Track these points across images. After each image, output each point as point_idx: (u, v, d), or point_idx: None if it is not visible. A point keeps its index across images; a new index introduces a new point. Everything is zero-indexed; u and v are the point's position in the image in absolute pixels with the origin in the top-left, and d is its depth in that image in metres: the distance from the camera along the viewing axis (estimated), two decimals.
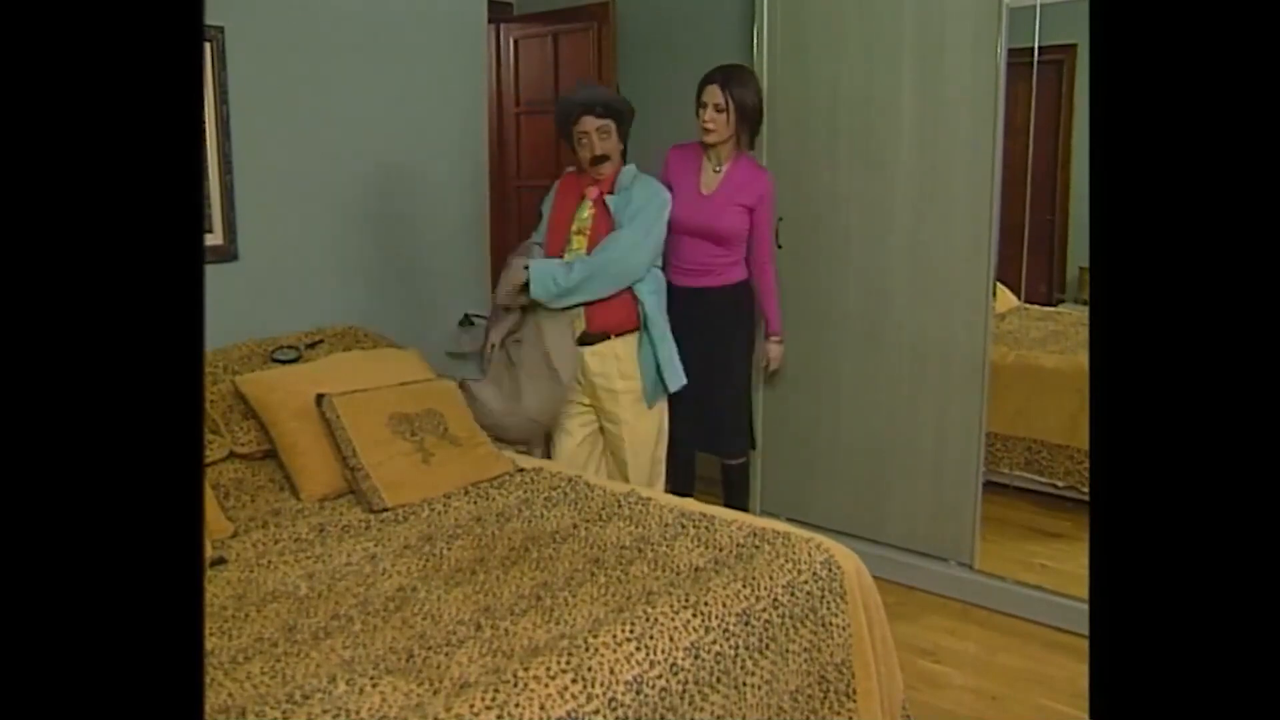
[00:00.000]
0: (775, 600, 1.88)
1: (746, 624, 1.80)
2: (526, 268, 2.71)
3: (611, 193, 2.78)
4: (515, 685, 1.47)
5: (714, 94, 2.92)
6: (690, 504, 2.33)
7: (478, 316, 3.62)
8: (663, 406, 2.90)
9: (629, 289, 2.75)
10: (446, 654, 1.60)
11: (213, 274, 2.70)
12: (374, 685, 1.49)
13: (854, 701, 1.99)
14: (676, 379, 2.83)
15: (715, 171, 3.02)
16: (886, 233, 3.18)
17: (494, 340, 2.85)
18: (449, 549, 2.06)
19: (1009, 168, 2.96)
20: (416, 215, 3.43)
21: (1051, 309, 3.32)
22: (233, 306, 2.82)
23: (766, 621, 1.84)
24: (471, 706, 1.42)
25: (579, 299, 2.71)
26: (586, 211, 2.81)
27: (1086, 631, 1.75)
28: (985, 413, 3.03)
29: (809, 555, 2.03)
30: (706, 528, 2.14)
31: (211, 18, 2.72)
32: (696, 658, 1.67)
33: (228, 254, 2.84)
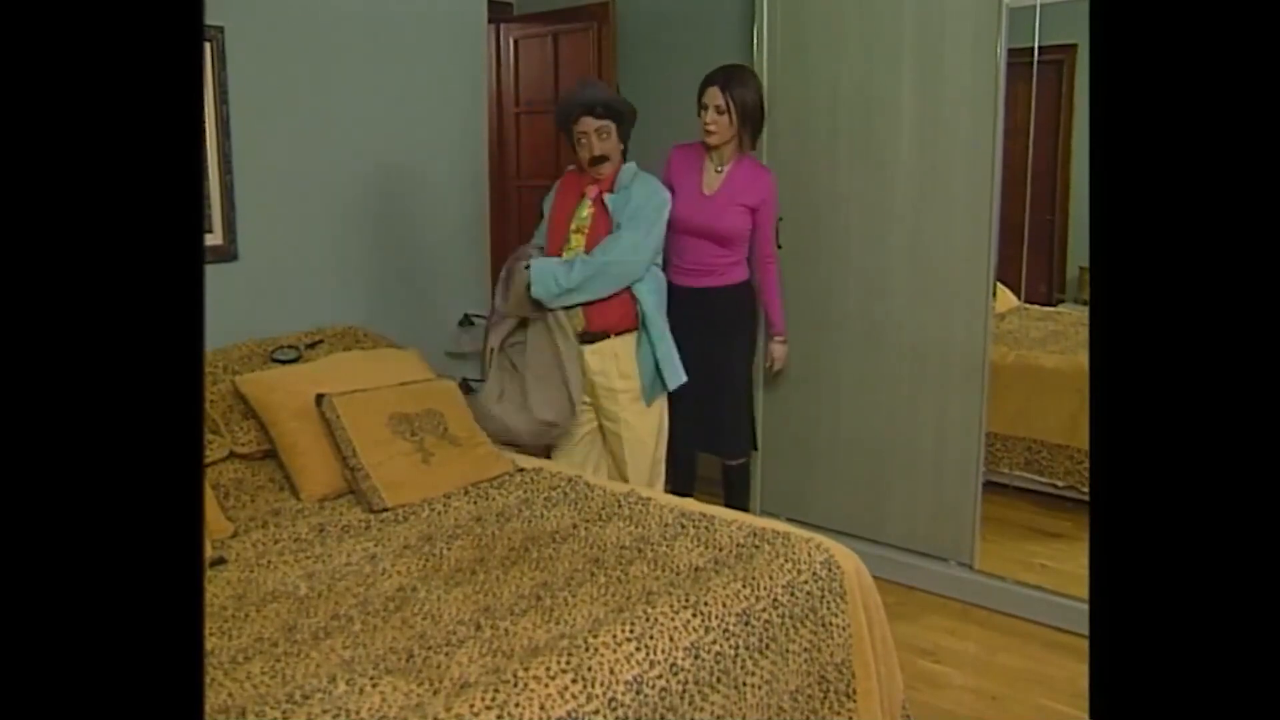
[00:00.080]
0: (775, 600, 1.88)
1: (746, 624, 1.80)
2: (527, 267, 2.71)
3: (611, 191, 2.78)
4: (515, 685, 1.47)
5: (715, 95, 2.92)
6: (690, 504, 2.33)
7: (478, 316, 3.62)
8: (662, 406, 2.90)
9: (628, 288, 2.75)
10: (446, 654, 1.60)
11: (213, 274, 2.70)
12: (374, 685, 1.49)
13: (854, 701, 1.99)
14: (676, 377, 2.83)
15: (717, 172, 3.02)
16: (886, 233, 3.18)
17: (493, 344, 2.84)
18: (449, 549, 2.06)
19: (1009, 168, 2.96)
20: (416, 215, 3.44)
21: (1051, 309, 3.32)
22: (233, 306, 2.82)
23: (766, 621, 1.84)
24: (471, 706, 1.42)
25: (579, 299, 2.71)
26: (585, 210, 2.81)
27: (1086, 631, 1.75)
28: (985, 413, 3.03)
29: (809, 555, 2.03)
30: (706, 528, 2.14)
31: (211, 18, 2.72)
32: (696, 658, 1.67)
33: (228, 254, 2.84)
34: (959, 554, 3.13)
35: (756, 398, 3.41)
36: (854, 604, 2.04)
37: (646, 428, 2.85)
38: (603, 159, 2.76)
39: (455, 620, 1.73)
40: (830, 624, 1.97)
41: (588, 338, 2.77)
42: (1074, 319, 3.29)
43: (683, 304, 3.05)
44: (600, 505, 2.30)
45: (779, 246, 3.23)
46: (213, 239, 2.80)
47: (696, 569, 1.94)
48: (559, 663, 1.54)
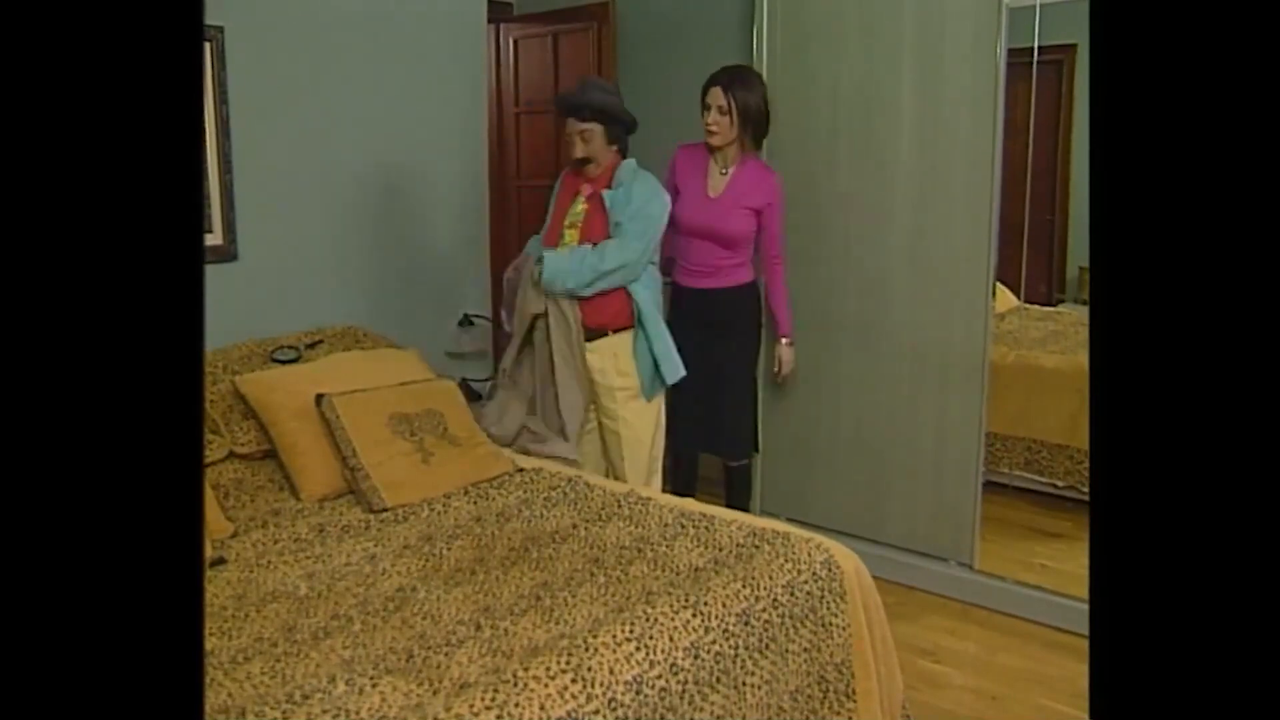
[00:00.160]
0: (775, 600, 1.88)
1: (746, 624, 1.80)
2: (539, 260, 2.72)
3: (609, 188, 2.79)
4: (515, 685, 1.47)
5: (717, 96, 2.92)
6: (690, 504, 2.33)
7: (478, 316, 3.62)
8: (660, 404, 2.90)
9: (623, 286, 2.77)
10: (446, 654, 1.60)
11: (213, 274, 2.70)
12: (374, 685, 1.49)
13: (854, 701, 1.99)
14: (674, 371, 2.82)
15: (722, 174, 3.02)
16: (886, 233, 3.18)
17: (505, 365, 2.86)
18: (449, 549, 2.06)
19: (1009, 167, 2.96)
20: (416, 215, 3.44)
21: (1051, 309, 3.32)
22: (233, 306, 2.82)
23: (766, 621, 1.84)
24: (471, 706, 1.42)
25: (581, 295, 2.73)
26: (580, 207, 2.83)
27: (1086, 631, 1.75)
28: (985, 413, 3.03)
29: (809, 555, 2.03)
30: (706, 528, 2.14)
31: (211, 18, 2.72)
32: (696, 658, 1.67)
33: (228, 254, 2.84)
34: (959, 554, 3.13)
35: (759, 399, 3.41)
36: (854, 604, 2.04)
37: (644, 425, 2.85)
38: (587, 160, 2.77)
39: (455, 620, 1.73)
40: (830, 624, 1.97)
41: (587, 335, 2.78)
42: (1074, 319, 3.29)
43: (687, 305, 3.06)
44: (600, 505, 2.30)
45: None
46: (213, 239, 2.80)
47: (696, 569, 1.94)
48: (559, 663, 1.54)
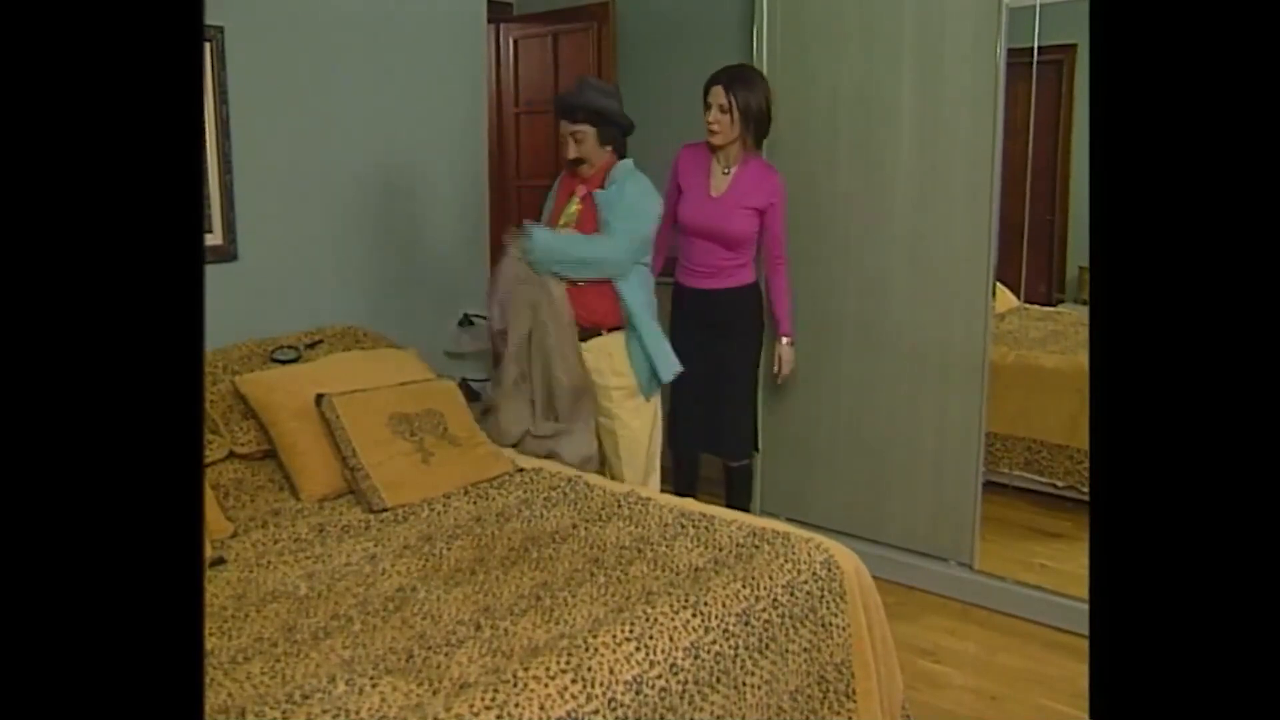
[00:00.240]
0: (775, 600, 1.88)
1: (746, 624, 1.80)
2: (528, 233, 2.73)
3: (602, 188, 2.79)
4: (515, 685, 1.47)
5: (718, 95, 2.92)
6: (690, 504, 2.33)
7: (478, 316, 3.62)
8: (657, 403, 2.90)
9: (612, 286, 2.76)
10: (446, 654, 1.60)
11: (213, 274, 2.70)
12: (374, 685, 1.49)
13: (854, 701, 1.99)
14: (669, 369, 2.82)
15: (724, 174, 3.02)
16: (886, 233, 3.18)
17: (504, 384, 2.86)
18: (449, 549, 2.06)
19: (1009, 167, 2.96)
20: (416, 215, 3.43)
21: (1051, 309, 3.32)
22: (233, 306, 2.81)
23: (766, 621, 1.84)
24: (471, 706, 1.42)
25: (565, 273, 2.73)
26: (574, 207, 2.83)
27: (1086, 631, 1.75)
28: (985, 413, 3.03)
29: (809, 555, 2.03)
30: (706, 528, 2.14)
31: (211, 18, 2.72)
32: (696, 658, 1.67)
33: (228, 254, 2.84)
34: (959, 554, 3.13)
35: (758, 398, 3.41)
36: (854, 604, 2.04)
37: (641, 424, 2.85)
38: (579, 161, 2.78)
39: (455, 620, 1.73)
40: (830, 624, 1.97)
41: (581, 335, 2.78)
42: (1074, 319, 3.29)
43: (689, 305, 3.06)
44: (600, 505, 2.30)
45: None
46: (213, 239, 2.80)
47: (696, 569, 1.94)
48: (559, 663, 1.54)
